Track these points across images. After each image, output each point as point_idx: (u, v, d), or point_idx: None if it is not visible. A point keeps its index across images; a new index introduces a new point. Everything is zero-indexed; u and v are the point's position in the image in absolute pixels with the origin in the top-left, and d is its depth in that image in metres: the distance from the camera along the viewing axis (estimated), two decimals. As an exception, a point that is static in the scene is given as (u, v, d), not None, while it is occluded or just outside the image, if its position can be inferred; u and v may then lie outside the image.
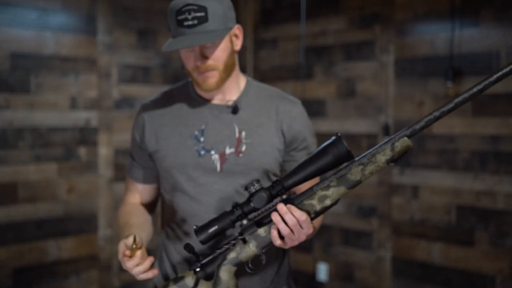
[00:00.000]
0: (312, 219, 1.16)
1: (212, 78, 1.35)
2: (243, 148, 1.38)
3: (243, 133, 1.39)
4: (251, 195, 1.16)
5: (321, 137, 3.58)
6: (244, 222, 1.18)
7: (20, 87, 2.90)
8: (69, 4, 3.07)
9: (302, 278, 3.62)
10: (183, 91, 1.49)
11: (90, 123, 3.17)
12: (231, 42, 1.38)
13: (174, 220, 1.45)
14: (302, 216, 1.13)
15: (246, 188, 1.16)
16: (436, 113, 1.16)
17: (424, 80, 3.00)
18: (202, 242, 1.16)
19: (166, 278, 1.48)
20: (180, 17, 1.31)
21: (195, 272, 1.18)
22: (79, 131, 3.13)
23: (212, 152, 1.38)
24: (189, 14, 1.29)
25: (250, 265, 1.21)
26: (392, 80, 3.16)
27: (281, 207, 1.14)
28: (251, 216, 1.21)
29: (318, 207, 1.15)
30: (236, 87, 1.45)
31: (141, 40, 3.39)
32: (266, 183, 1.37)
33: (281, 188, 1.16)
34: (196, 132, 1.40)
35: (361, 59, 3.31)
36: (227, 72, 1.38)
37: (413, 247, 3.09)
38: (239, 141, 1.38)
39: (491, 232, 2.79)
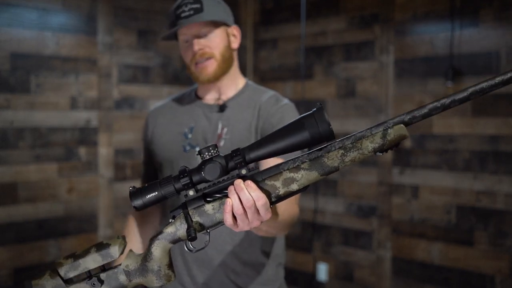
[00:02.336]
0: (272, 203, 0.94)
1: (210, 67, 1.41)
2: (222, 143, 1.41)
3: (225, 129, 1.43)
4: (204, 162, 0.93)
5: (321, 137, 3.59)
6: (191, 193, 0.95)
7: (20, 87, 2.90)
8: (70, 4, 3.07)
9: (302, 278, 3.62)
10: (188, 95, 1.56)
11: (90, 123, 3.18)
12: (228, 37, 1.45)
13: (164, 214, 1.50)
14: (260, 199, 0.92)
15: (200, 153, 0.94)
16: (446, 101, 0.93)
17: (424, 80, 3.01)
18: (137, 208, 0.96)
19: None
20: (178, 11, 1.40)
21: (123, 239, 0.99)
22: (79, 131, 3.13)
23: (197, 148, 1.43)
24: (186, 6, 1.38)
25: (190, 245, 1.00)
26: (392, 80, 3.16)
27: (238, 182, 0.92)
28: (200, 186, 1.01)
29: (281, 190, 0.93)
30: (233, 86, 1.49)
31: (141, 40, 3.39)
32: None
33: (241, 160, 0.93)
34: (186, 130, 1.46)
35: (361, 59, 3.31)
36: (224, 64, 1.43)
37: (413, 247, 3.09)
38: (219, 136, 1.42)
39: (491, 232, 2.79)
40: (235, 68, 1.49)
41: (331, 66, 3.46)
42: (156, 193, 0.95)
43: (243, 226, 0.95)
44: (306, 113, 0.91)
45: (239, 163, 0.93)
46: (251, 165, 0.96)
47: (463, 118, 2.87)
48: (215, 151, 0.93)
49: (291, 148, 0.92)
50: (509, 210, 2.73)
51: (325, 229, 3.52)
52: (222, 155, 0.95)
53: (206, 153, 0.93)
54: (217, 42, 1.41)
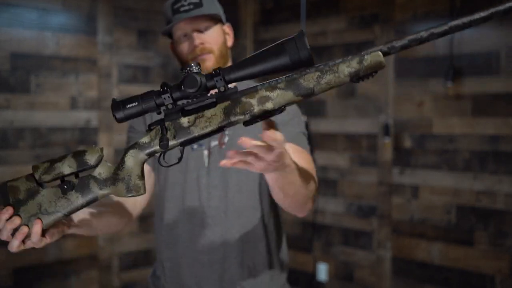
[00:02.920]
0: (247, 122, 0.95)
1: (208, 61, 1.40)
2: (226, 139, 1.41)
3: None
4: (185, 76, 0.94)
5: (321, 137, 3.61)
6: (170, 107, 0.96)
7: (20, 87, 2.90)
8: (70, 4, 3.07)
9: (302, 278, 3.62)
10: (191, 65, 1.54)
11: (90, 123, 3.18)
12: (224, 34, 1.47)
13: (165, 212, 1.47)
14: (277, 136, 0.91)
15: (182, 69, 0.95)
16: (424, 34, 0.94)
17: (424, 80, 3.01)
18: (118, 120, 0.97)
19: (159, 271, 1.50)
20: (176, 6, 1.40)
21: (101, 150, 1.00)
22: (79, 131, 3.14)
23: (203, 147, 1.42)
24: (185, 0, 1.38)
25: (163, 159, 1.01)
26: (392, 80, 3.16)
27: (243, 139, 0.92)
28: (180, 102, 1.01)
29: (256, 108, 0.93)
30: None
31: (141, 40, 3.39)
32: (252, 174, 1.39)
33: (220, 78, 0.94)
34: None
35: (361, 59, 3.31)
36: (221, 60, 1.43)
37: (413, 247, 3.09)
38: (222, 133, 1.41)
39: (491, 232, 2.79)
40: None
41: (331, 66, 3.45)
42: (136, 104, 0.96)
43: (258, 165, 0.96)
44: (288, 38, 0.92)
45: (218, 80, 0.94)
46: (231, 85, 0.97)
47: (463, 118, 2.87)
48: (197, 68, 0.95)
49: (270, 71, 0.93)
50: (509, 210, 2.73)
51: (325, 229, 3.52)
52: (204, 74, 0.96)
53: (188, 68, 0.95)
54: (215, 37, 1.43)
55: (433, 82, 2.97)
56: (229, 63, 1.49)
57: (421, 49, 3.03)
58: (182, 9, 1.39)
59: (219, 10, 1.46)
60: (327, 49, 3.48)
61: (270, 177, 1.08)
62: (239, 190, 1.42)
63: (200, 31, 1.41)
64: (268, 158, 0.94)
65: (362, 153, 3.33)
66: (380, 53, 0.92)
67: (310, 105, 3.45)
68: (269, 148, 0.93)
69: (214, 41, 1.42)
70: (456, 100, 2.89)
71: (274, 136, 0.91)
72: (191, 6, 1.39)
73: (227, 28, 1.50)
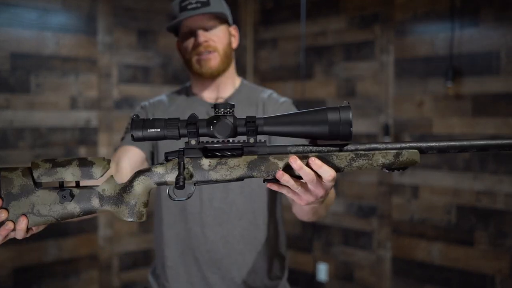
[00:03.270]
0: (268, 180, 0.94)
1: (213, 60, 1.41)
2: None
3: None
4: (216, 117, 0.91)
5: (321, 137, 3.59)
6: (193, 142, 0.93)
7: (20, 87, 2.90)
8: (69, 4, 3.07)
9: (302, 278, 3.62)
10: (183, 92, 1.54)
11: (90, 123, 3.18)
12: (229, 35, 1.47)
13: (165, 211, 1.47)
14: (330, 173, 0.90)
15: (215, 107, 0.91)
16: (465, 144, 0.93)
17: (424, 80, 3.01)
18: (135, 139, 0.93)
19: (159, 272, 1.50)
20: (184, 3, 1.41)
21: (108, 163, 0.95)
22: (79, 131, 3.13)
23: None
24: None
25: (174, 193, 0.99)
26: (392, 80, 3.16)
27: (294, 159, 0.90)
28: (202, 139, 0.96)
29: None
30: (231, 84, 1.50)
31: (141, 40, 3.39)
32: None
33: (253, 128, 0.91)
34: None
35: (361, 59, 3.31)
36: (225, 60, 1.44)
37: (413, 247, 3.09)
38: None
39: (491, 232, 2.79)
40: (232, 68, 1.51)
41: (331, 66, 3.46)
42: (159, 130, 0.92)
43: (306, 198, 0.94)
44: (332, 106, 0.90)
45: (251, 130, 0.91)
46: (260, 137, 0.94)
47: (463, 118, 2.87)
48: (231, 111, 0.91)
49: (305, 135, 0.91)
50: (509, 210, 2.73)
51: (325, 229, 3.52)
52: (237, 116, 0.92)
53: (222, 109, 0.91)
54: (221, 37, 1.43)
55: (433, 82, 2.97)
56: (232, 65, 1.49)
57: (421, 49, 3.03)
58: (189, 7, 1.39)
59: (226, 11, 1.46)
60: (327, 49, 3.47)
61: (309, 206, 1.05)
62: (241, 192, 1.42)
63: (205, 29, 1.42)
64: (318, 193, 0.92)
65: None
66: (417, 152, 0.93)
67: (310, 105, 3.45)
68: (319, 182, 0.90)
69: (219, 40, 1.42)
70: (456, 100, 2.89)
71: (329, 171, 0.89)
72: (199, 5, 1.39)
73: (233, 30, 1.50)
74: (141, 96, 3.36)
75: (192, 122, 0.91)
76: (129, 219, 0.95)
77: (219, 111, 0.90)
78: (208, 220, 1.42)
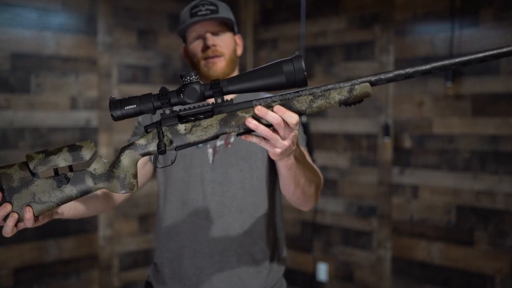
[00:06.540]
0: (240, 133, 1.02)
1: (219, 64, 1.48)
2: (232, 139, 1.47)
3: None
4: (184, 85, 1.00)
5: (321, 137, 3.60)
6: (167, 112, 1.02)
7: (20, 87, 2.90)
8: (70, 4, 3.07)
9: (302, 278, 3.62)
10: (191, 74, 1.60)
11: (90, 123, 3.18)
12: (235, 42, 1.55)
13: (167, 204, 1.51)
14: (294, 116, 0.98)
15: (182, 77, 1.01)
16: (410, 70, 1.01)
17: (424, 80, 3.01)
18: (115, 118, 1.02)
19: (160, 268, 1.52)
20: (194, 10, 1.49)
21: (94, 145, 1.04)
22: (80, 131, 3.14)
23: (208, 145, 1.47)
24: (203, 6, 1.48)
25: (157, 160, 1.08)
26: (392, 80, 3.16)
27: (259, 108, 0.98)
28: (176, 108, 1.09)
29: None
30: None
31: (141, 40, 3.39)
32: (255, 172, 1.46)
33: (218, 90, 1.00)
34: None
35: (361, 59, 3.32)
36: (231, 65, 1.51)
37: (413, 247, 3.09)
38: (228, 135, 1.48)
39: (491, 232, 2.79)
40: (236, 73, 1.57)
41: (331, 66, 3.46)
42: (135, 106, 1.01)
43: (278, 145, 1.01)
44: (286, 58, 0.99)
45: (216, 92, 1.01)
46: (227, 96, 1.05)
47: (463, 118, 2.87)
48: (196, 77, 1.00)
49: (266, 88, 1.00)
50: (509, 210, 2.73)
51: (325, 229, 3.52)
52: (202, 82, 1.02)
53: (188, 78, 1.00)
54: (227, 42, 1.51)
55: (433, 82, 2.98)
56: (237, 71, 1.56)
57: (421, 49, 3.03)
58: (199, 13, 1.48)
59: (233, 19, 1.54)
60: (327, 49, 3.48)
61: (284, 165, 1.14)
62: (242, 187, 1.47)
63: (213, 33, 1.49)
64: (286, 138, 1.00)
65: (362, 153, 3.33)
66: (369, 84, 1.01)
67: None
68: (286, 125, 0.98)
69: (226, 45, 1.50)
70: (456, 100, 2.89)
71: (292, 115, 0.98)
72: (208, 12, 1.48)
73: (238, 38, 1.58)
74: (141, 96, 3.36)
75: (164, 93, 1.01)
76: (122, 191, 1.04)
77: (185, 79, 1.00)
78: (210, 213, 1.46)
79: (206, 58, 1.48)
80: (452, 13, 2.88)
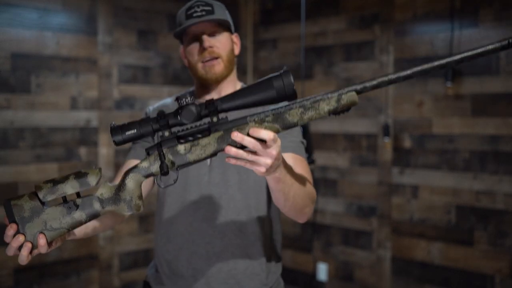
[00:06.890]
0: (226, 157, 1.06)
1: (217, 65, 1.47)
2: None
3: None
4: (181, 107, 1.05)
5: (321, 137, 3.60)
6: (166, 134, 1.07)
7: (20, 87, 2.91)
8: (70, 4, 3.08)
9: (302, 278, 3.62)
10: (189, 97, 1.58)
11: (91, 123, 3.18)
12: (232, 42, 1.53)
13: (166, 206, 1.51)
14: (268, 134, 1.01)
15: (177, 99, 1.05)
16: (392, 77, 1.05)
17: (423, 80, 3.01)
18: (117, 144, 1.07)
19: (159, 268, 1.53)
20: (189, 12, 1.48)
21: (100, 171, 1.08)
22: (80, 131, 3.14)
23: None
24: (198, 7, 1.47)
25: (160, 181, 1.13)
26: (392, 80, 3.16)
27: (235, 134, 1.02)
28: (174, 129, 1.16)
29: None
30: (232, 88, 1.55)
31: (141, 40, 3.39)
32: (252, 174, 1.45)
33: (213, 109, 1.05)
34: None
35: (361, 60, 3.32)
36: (229, 66, 1.50)
37: (413, 246, 3.09)
38: None
39: (491, 232, 2.79)
40: (234, 74, 1.56)
41: (331, 66, 3.46)
42: (135, 131, 1.06)
43: (262, 163, 1.03)
44: (275, 74, 1.04)
45: (212, 111, 1.05)
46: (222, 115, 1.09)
47: (463, 118, 2.87)
48: (191, 99, 1.04)
49: (258, 103, 1.05)
50: (509, 210, 2.74)
51: (325, 229, 3.52)
52: (197, 103, 1.06)
53: (184, 100, 1.04)
54: (224, 43, 1.49)
55: (433, 82, 2.98)
56: (234, 71, 1.55)
57: (421, 49, 3.03)
58: (195, 14, 1.46)
59: (229, 19, 1.53)
60: (327, 49, 3.48)
61: (272, 180, 1.15)
62: (239, 188, 1.47)
63: (209, 35, 1.48)
64: (268, 156, 1.03)
65: (362, 153, 3.33)
66: (355, 93, 1.06)
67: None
68: (264, 146, 1.02)
69: (222, 46, 1.48)
70: (456, 100, 2.89)
71: (267, 133, 1.01)
72: (204, 13, 1.46)
73: (235, 37, 1.57)
74: (141, 96, 3.36)
75: (162, 116, 1.06)
76: (129, 213, 1.09)
77: (182, 101, 1.04)
78: (208, 215, 1.46)
79: (203, 61, 1.47)
80: (452, 13, 2.88)
